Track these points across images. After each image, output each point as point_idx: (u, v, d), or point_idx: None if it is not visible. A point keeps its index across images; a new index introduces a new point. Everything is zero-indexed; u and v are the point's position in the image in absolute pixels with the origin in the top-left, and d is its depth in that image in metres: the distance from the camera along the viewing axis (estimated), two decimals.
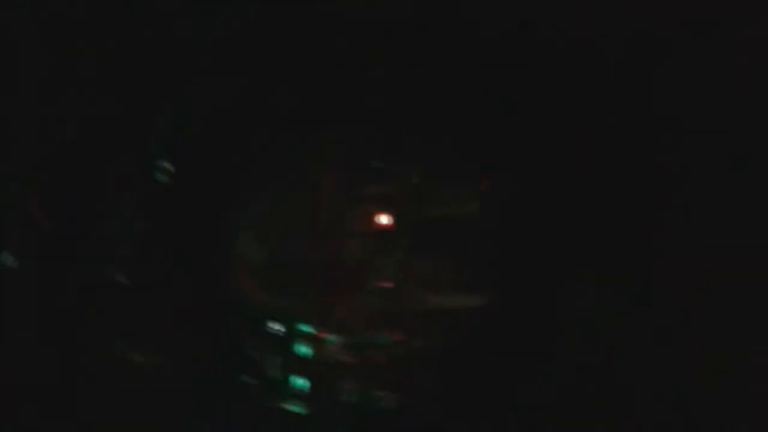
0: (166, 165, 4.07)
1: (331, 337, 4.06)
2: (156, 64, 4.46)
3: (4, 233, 3.77)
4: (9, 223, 3.81)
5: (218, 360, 4.07)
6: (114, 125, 4.37)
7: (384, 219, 4.51)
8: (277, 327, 4.06)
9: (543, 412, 4.63)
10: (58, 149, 4.32)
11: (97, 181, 4.52)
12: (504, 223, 4.90)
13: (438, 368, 4.28)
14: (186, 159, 4.30)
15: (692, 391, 4.34)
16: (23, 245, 3.74)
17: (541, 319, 4.87)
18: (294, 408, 3.94)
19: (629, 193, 4.89)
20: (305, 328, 4.06)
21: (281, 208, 4.54)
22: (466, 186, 4.82)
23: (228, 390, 4.04)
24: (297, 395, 3.97)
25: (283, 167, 4.55)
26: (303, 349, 4.03)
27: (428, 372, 4.33)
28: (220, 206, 4.60)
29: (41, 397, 3.98)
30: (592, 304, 4.76)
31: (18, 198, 3.82)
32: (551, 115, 4.79)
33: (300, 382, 3.98)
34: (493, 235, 4.88)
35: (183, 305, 4.41)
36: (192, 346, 4.07)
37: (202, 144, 4.83)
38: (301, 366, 4.01)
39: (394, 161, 4.54)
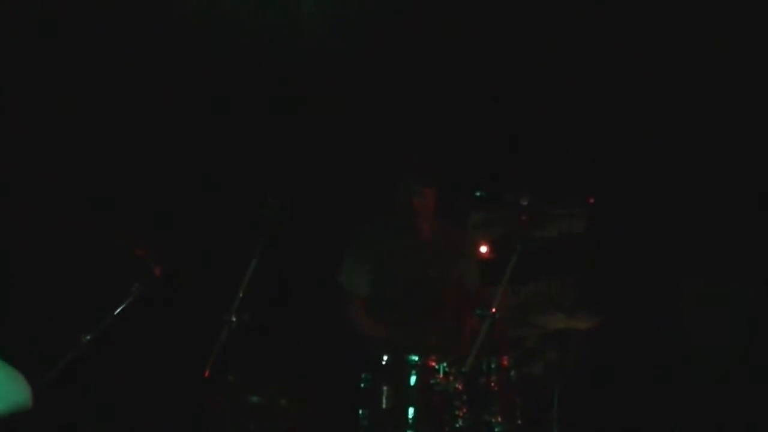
0: (274, 202, 4.20)
1: (442, 365, 4.14)
2: None
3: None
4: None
5: (335, 394, 4.21)
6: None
7: (491, 246, 4.57)
8: (388, 358, 4.16)
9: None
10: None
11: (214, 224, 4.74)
12: (611, 240, 4.91)
13: (550, 391, 4.33)
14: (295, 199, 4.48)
15: None
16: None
17: (657, 337, 4.85)
18: None
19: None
20: (415, 357, 4.15)
21: (390, 243, 4.67)
22: (573, 206, 4.84)
23: (343, 421, 4.18)
24: (410, 424, 4.06)
25: (389, 202, 4.66)
26: (414, 378, 4.12)
27: (540, 395, 4.38)
28: (332, 244, 4.74)
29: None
30: (710, 316, 4.74)
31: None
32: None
33: (412, 410, 4.08)
34: (602, 255, 4.89)
35: (299, 342, 4.57)
36: (310, 382, 4.22)
37: (311, 184, 4.99)
38: (413, 395, 4.10)
39: (500, 188, 4.60)
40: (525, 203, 4.36)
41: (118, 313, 3.98)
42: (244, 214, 4.40)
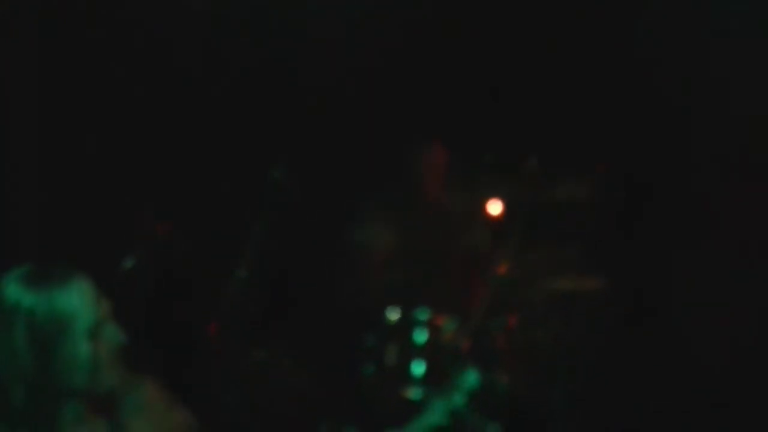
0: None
1: (449, 324, 4.14)
2: None
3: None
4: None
5: (337, 351, 4.21)
6: None
7: (500, 208, 4.57)
8: (395, 315, 4.16)
9: (665, 394, 4.63)
10: None
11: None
12: (619, 205, 4.91)
13: (555, 352, 4.34)
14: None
15: None
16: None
17: (660, 300, 4.86)
18: (413, 394, 4.03)
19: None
20: (423, 315, 4.15)
21: (400, 202, 4.65)
22: (580, 171, 4.85)
23: (347, 380, 4.18)
24: (415, 382, 4.06)
25: (402, 163, 4.66)
26: (421, 337, 4.12)
27: (546, 356, 4.39)
28: (342, 199, 4.74)
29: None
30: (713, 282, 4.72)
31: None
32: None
33: (418, 368, 4.07)
34: (608, 218, 4.90)
35: (303, 297, 4.57)
36: (312, 339, 4.23)
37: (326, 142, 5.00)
38: (419, 353, 4.10)
39: (509, 151, 4.61)
40: (534, 166, 4.38)
41: (124, 274, 3.98)
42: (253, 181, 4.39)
